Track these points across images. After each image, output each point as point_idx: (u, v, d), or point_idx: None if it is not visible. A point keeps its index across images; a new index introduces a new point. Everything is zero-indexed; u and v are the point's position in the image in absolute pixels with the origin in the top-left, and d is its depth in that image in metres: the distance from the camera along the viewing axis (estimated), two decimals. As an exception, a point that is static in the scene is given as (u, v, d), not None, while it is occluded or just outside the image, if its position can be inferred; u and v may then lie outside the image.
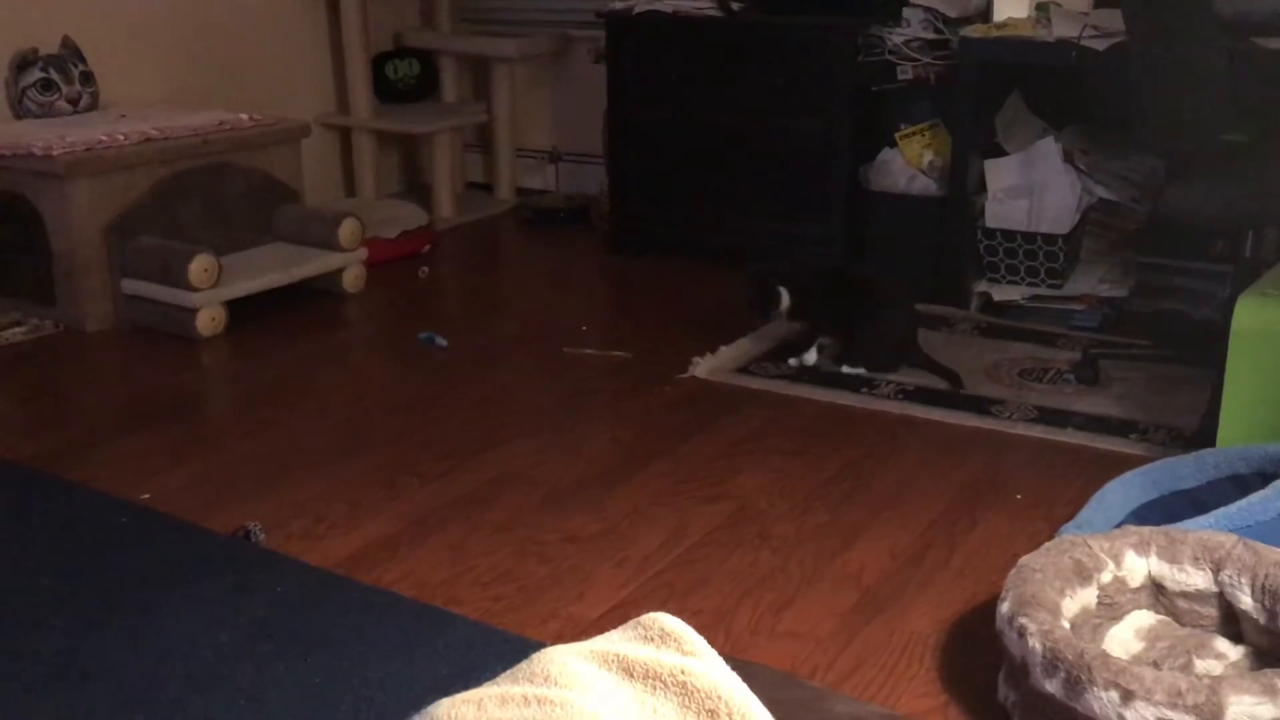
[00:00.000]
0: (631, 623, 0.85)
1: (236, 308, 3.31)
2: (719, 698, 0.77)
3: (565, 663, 0.78)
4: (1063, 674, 1.48)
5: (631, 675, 0.76)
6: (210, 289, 3.23)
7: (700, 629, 1.88)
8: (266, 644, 1.84)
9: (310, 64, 4.38)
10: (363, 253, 3.64)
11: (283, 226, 3.65)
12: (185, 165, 3.44)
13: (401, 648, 1.82)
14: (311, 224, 3.61)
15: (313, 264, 3.53)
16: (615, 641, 0.81)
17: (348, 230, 3.56)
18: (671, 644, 0.79)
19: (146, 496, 2.35)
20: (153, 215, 3.37)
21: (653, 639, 0.79)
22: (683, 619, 1.91)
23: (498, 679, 0.82)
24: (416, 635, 1.86)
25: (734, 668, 0.83)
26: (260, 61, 4.18)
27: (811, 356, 2.95)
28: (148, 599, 1.97)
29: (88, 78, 3.60)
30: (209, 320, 3.24)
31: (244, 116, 3.66)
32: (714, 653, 0.83)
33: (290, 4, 4.28)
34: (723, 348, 3.09)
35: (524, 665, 0.81)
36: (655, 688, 0.75)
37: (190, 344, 3.21)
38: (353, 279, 3.62)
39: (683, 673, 0.76)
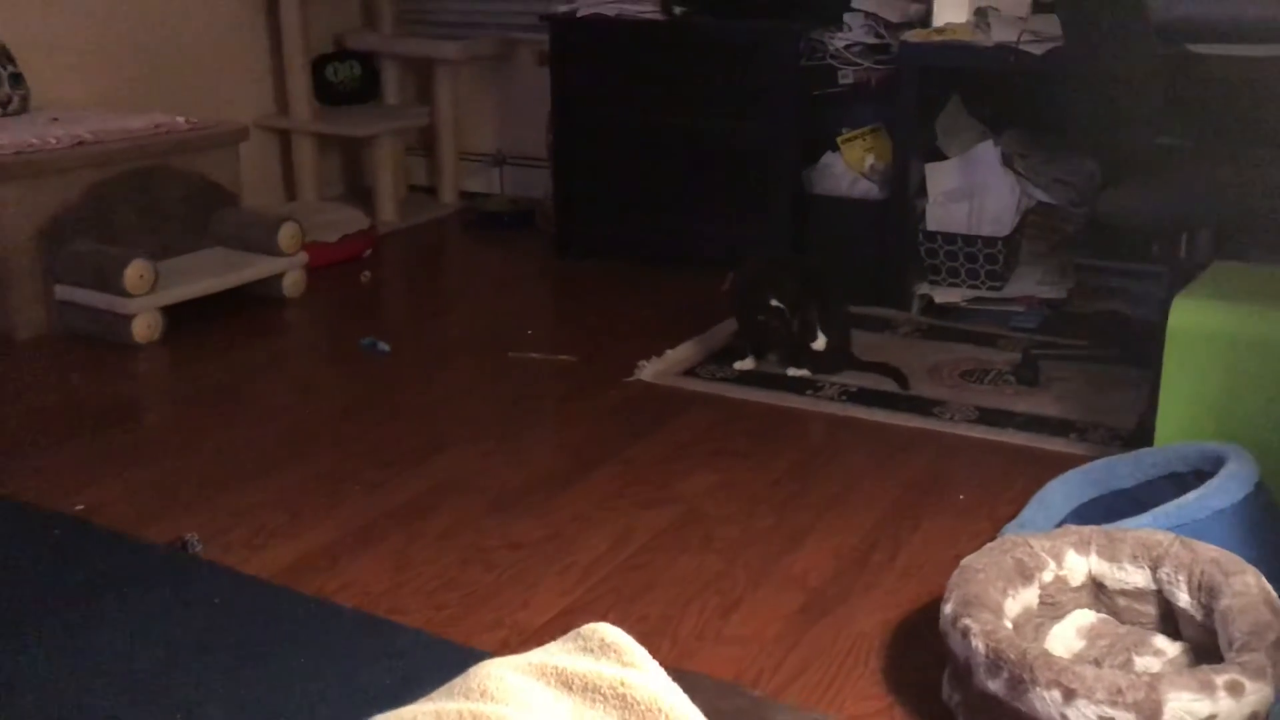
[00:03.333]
0: (571, 634, 0.84)
1: (174, 314, 3.26)
2: (659, 710, 0.76)
3: (502, 676, 0.77)
4: (1006, 674, 1.49)
5: (570, 688, 0.75)
6: (146, 295, 3.17)
7: (646, 634, 1.89)
8: (204, 658, 1.80)
9: (249, 66, 4.32)
10: (303, 257, 3.59)
11: (221, 231, 3.59)
12: (120, 169, 3.37)
13: (343, 659, 1.79)
14: (251, 228, 3.56)
15: (252, 269, 3.48)
16: (554, 654, 0.80)
17: (287, 234, 3.52)
18: (611, 655, 0.77)
19: (80, 508, 2.30)
20: (87, 220, 3.30)
21: (592, 650, 0.78)
22: (629, 625, 1.92)
23: (433, 694, 0.81)
24: (358, 646, 1.83)
25: (675, 678, 0.82)
26: (197, 63, 4.12)
27: (749, 363, 2.96)
28: (81, 613, 1.92)
29: (17, 79, 3.52)
30: (145, 327, 3.18)
31: (181, 119, 3.60)
32: (655, 664, 0.81)
33: (229, 6, 4.21)
34: (668, 351, 3.09)
35: (460, 680, 0.80)
36: (595, 700, 0.74)
37: (126, 351, 3.15)
38: (293, 284, 3.58)
39: (622, 684, 0.75)
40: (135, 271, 3.13)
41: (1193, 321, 2.09)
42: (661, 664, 1.77)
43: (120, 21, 3.87)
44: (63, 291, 3.23)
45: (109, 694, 1.72)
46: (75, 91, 3.77)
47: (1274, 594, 1.57)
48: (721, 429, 2.67)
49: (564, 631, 1.87)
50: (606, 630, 0.80)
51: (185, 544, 2.14)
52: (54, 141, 3.26)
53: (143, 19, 3.94)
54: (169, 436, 2.69)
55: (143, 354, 3.16)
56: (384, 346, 3.17)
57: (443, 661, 1.78)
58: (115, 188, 3.37)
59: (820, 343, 2.89)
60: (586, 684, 0.75)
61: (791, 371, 2.94)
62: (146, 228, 3.43)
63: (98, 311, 3.19)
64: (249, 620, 1.90)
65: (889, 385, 2.87)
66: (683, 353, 3.10)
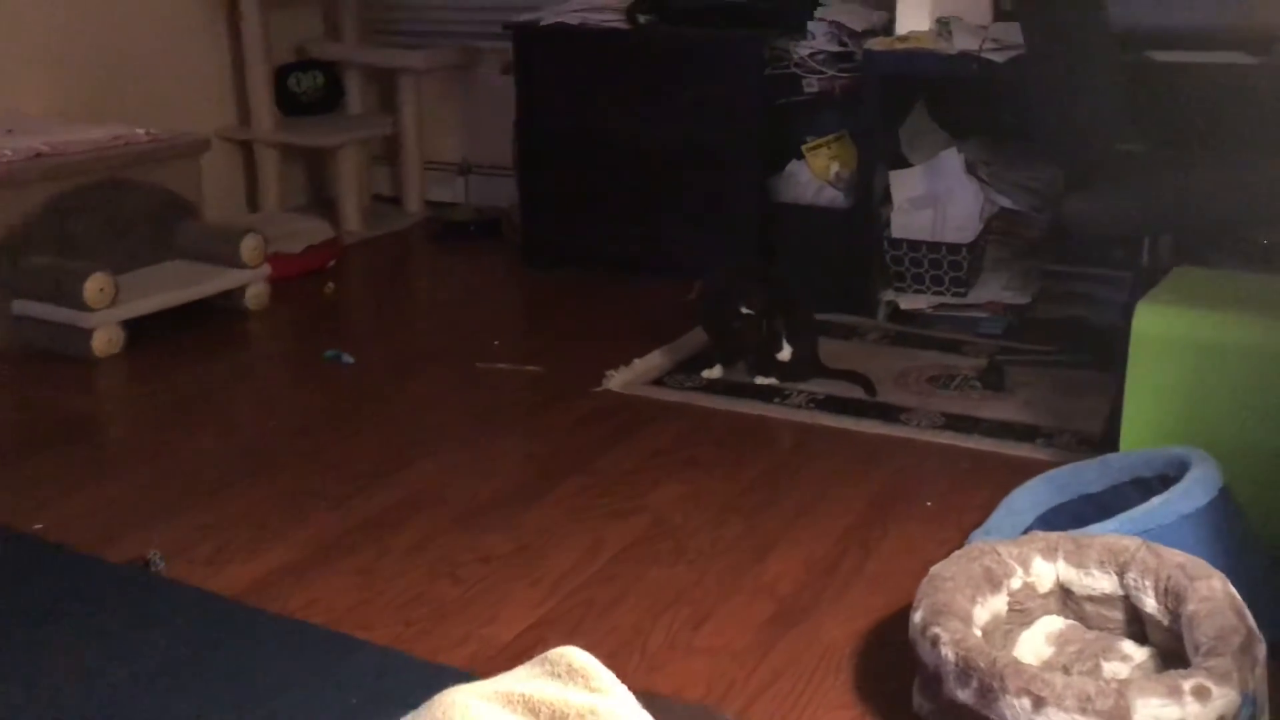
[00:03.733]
0: (539, 658, 0.82)
1: (135, 328, 3.22)
2: (628, 735, 0.75)
3: (467, 705, 0.76)
4: (975, 683, 1.49)
5: (538, 715, 0.74)
6: (107, 309, 3.13)
7: (617, 646, 1.88)
8: (167, 679, 1.77)
9: (210, 76, 4.27)
10: (266, 269, 3.56)
11: (183, 243, 3.55)
12: (79, 182, 3.33)
13: (310, 678, 1.77)
14: (213, 240, 3.52)
15: (214, 281, 3.44)
16: (521, 679, 0.79)
17: (250, 246, 3.48)
18: (579, 681, 0.76)
19: (39, 527, 2.26)
20: (45, 233, 3.25)
21: (560, 675, 0.77)
22: (599, 637, 1.91)
23: (398, 722, 0.80)
24: (325, 664, 1.81)
25: (645, 702, 0.81)
26: (158, 74, 4.07)
27: (717, 371, 2.96)
28: (41, 636, 1.89)
29: (-27, 91, 3.48)
30: (105, 341, 3.14)
31: (141, 131, 3.56)
32: (623, 688, 0.80)
33: (189, 14, 4.17)
34: (636, 360, 3.08)
35: (424, 709, 0.79)
36: (563, 727, 0.73)
37: (86, 366, 3.11)
38: (256, 296, 3.54)
39: (592, 712, 0.74)
40: (95, 285, 3.09)
41: (1156, 327, 2.10)
42: (633, 676, 1.77)
43: (78, 31, 3.83)
44: (20, 306, 3.18)
45: (69, 717, 1.69)
46: (32, 103, 3.72)
47: (1239, 598, 1.59)
48: (690, 438, 2.66)
49: (533, 647, 1.86)
50: (574, 655, 0.79)
51: (148, 562, 2.11)
52: (10, 154, 3.21)
53: (101, 28, 3.89)
54: (130, 452, 2.66)
55: (103, 369, 3.11)
56: (349, 358, 3.14)
57: (411, 679, 1.76)
58: (74, 200, 3.32)
59: (785, 353, 2.89)
60: (554, 711, 0.74)
61: (759, 380, 2.94)
62: (106, 241, 3.39)
63: (57, 326, 3.14)
64: (214, 639, 1.88)
65: (857, 392, 2.88)
66: (650, 362, 3.09)
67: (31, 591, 2.03)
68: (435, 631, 1.92)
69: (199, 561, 2.13)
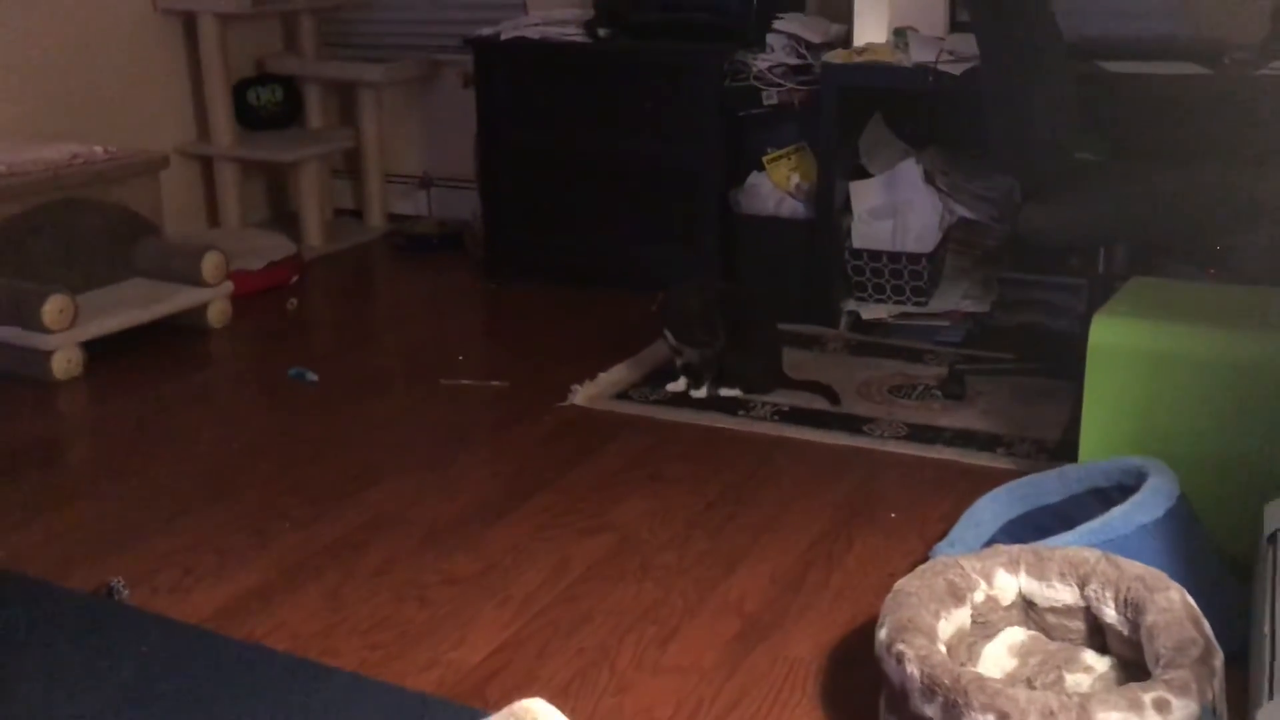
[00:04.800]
0: (504, 711, 0.83)
1: (94, 349, 3.19)
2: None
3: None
4: (940, 699, 1.50)
5: (502, 768, 0.74)
6: (66, 330, 3.10)
7: (585, 666, 1.89)
8: (131, 710, 1.76)
9: (168, 92, 4.24)
10: (228, 286, 3.53)
11: (143, 262, 3.52)
12: (36, 201, 3.30)
13: (276, 705, 1.76)
14: (173, 258, 3.50)
15: (175, 300, 3.42)
16: (485, 733, 0.79)
17: (211, 263, 3.46)
18: (543, 734, 0.77)
19: (-1, 555, 2.24)
20: (2, 254, 3.22)
21: (524, 729, 0.77)
22: (566, 658, 1.91)
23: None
24: (291, 691, 1.80)
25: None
26: (115, 90, 4.04)
27: (681, 384, 2.97)
28: (1, 666, 1.87)
29: (-74, 111, 3.43)
30: (65, 363, 3.11)
31: (98, 149, 3.53)
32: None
33: (145, 30, 4.14)
34: (601, 374, 3.09)
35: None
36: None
37: (45, 389, 3.08)
38: (218, 314, 3.52)
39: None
40: (54, 306, 3.05)
41: (1112, 338, 2.13)
42: (602, 696, 1.77)
43: (32, 48, 3.79)
44: (-23, 328, 3.15)
45: (33, 752, 1.67)
46: (-14, 122, 3.68)
47: (1197, 610, 1.61)
48: (655, 452, 2.67)
49: (502, 669, 1.86)
50: (539, 709, 0.80)
51: (110, 590, 2.09)
52: (-35, 175, 3.18)
53: (56, 45, 3.85)
54: (91, 477, 2.63)
55: (62, 391, 3.08)
56: (312, 376, 3.13)
57: (378, 705, 1.76)
58: (31, 220, 3.29)
59: (680, 383, 2.95)
60: (518, 766, 0.74)
61: (724, 392, 2.95)
62: (65, 261, 3.35)
63: (15, 348, 3.11)
64: (178, 668, 1.86)
65: (821, 404, 2.89)
66: (615, 375, 3.10)
67: (-8, 622, 2.00)
68: (403, 655, 1.91)
69: (162, 589, 2.12)
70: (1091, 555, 1.74)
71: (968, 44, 3.01)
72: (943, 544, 2.07)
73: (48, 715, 1.75)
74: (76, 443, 2.88)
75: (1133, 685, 1.48)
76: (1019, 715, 1.44)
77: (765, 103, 3.43)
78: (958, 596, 1.74)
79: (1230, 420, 2.03)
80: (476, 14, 4.20)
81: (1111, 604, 1.70)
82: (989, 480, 2.34)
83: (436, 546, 2.26)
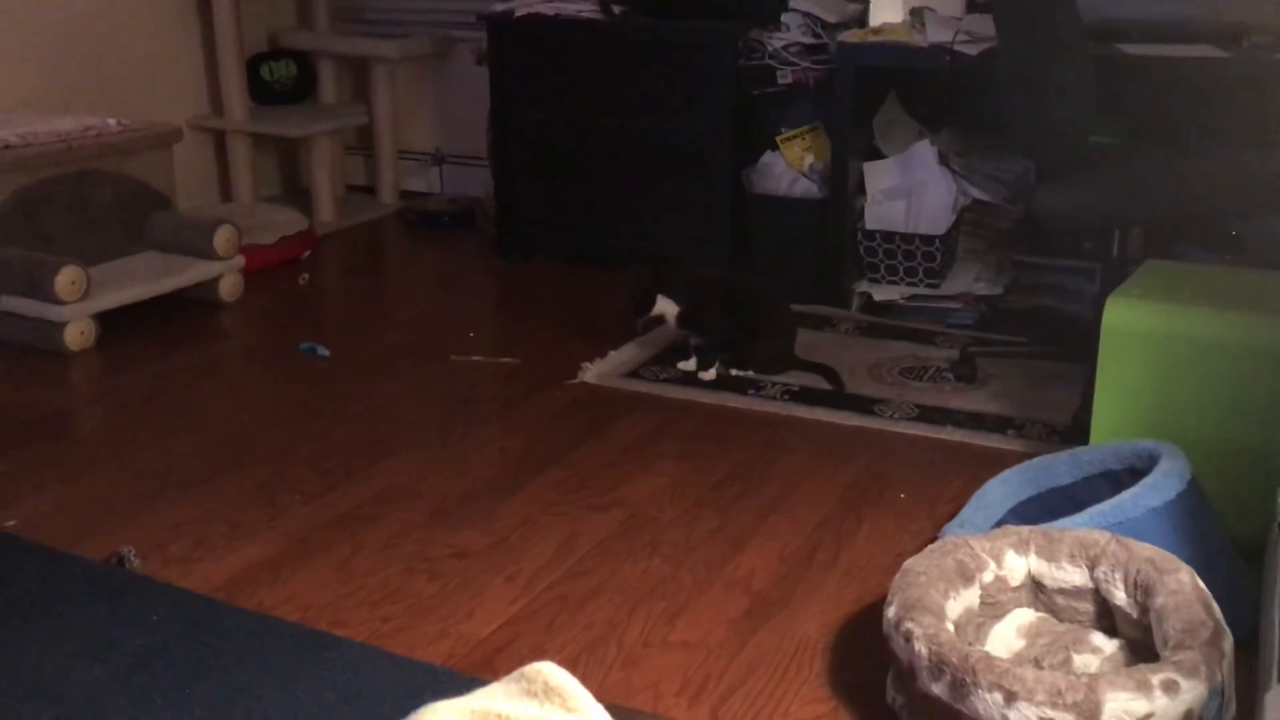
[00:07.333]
0: (515, 674, 0.83)
1: (107, 321, 3.20)
2: (602, 759, 0.75)
3: (444, 723, 0.76)
4: (948, 677, 1.51)
5: (514, 734, 0.74)
6: (79, 302, 3.10)
7: (593, 642, 1.89)
8: (142, 676, 1.77)
9: (182, 65, 4.24)
10: (240, 260, 3.54)
11: (155, 235, 3.53)
12: (49, 173, 3.30)
13: (285, 675, 1.77)
14: (185, 231, 3.50)
15: (187, 273, 3.42)
16: (497, 697, 0.79)
17: (223, 237, 3.46)
18: (555, 699, 0.77)
19: (11, 523, 2.25)
20: (15, 226, 3.22)
21: (536, 694, 0.77)
22: (575, 632, 1.92)
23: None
24: (301, 661, 1.81)
25: (618, 716, 0.82)
26: (129, 63, 4.04)
27: (692, 364, 2.96)
28: (14, 633, 1.88)
29: (-60, 81, 3.44)
30: (78, 334, 3.12)
31: (112, 121, 3.53)
32: (599, 708, 0.81)
33: (160, 3, 4.13)
34: (611, 352, 3.09)
35: (402, 725, 0.79)
36: (537, 748, 0.74)
37: (58, 360, 3.09)
38: (230, 288, 3.52)
39: (568, 731, 0.74)
40: (67, 278, 3.06)
41: (1126, 321, 2.12)
42: (609, 671, 1.78)
43: (47, 21, 3.79)
44: (-10, 299, 3.16)
45: (43, 716, 1.68)
46: (0, 94, 3.68)
47: (1206, 592, 1.61)
48: (665, 431, 2.67)
49: (510, 643, 1.87)
50: (551, 672, 0.80)
51: (122, 559, 2.10)
52: (-21, 145, 3.18)
53: (71, 18, 3.85)
54: (104, 447, 2.64)
55: (76, 362, 3.09)
56: (324, 351, 3.13)
57: (387, 675, 1.76)
58: (45, 192, 3.29)
59: (691, 363, 2.94)
60: (530, 731, 0.74)
61: (735, 371, 2.95)
62: (78, 233, 3.36)
63: (28, 320, 3.12)
64: (188, 637, 1.87)
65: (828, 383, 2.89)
66: (625, 354, 3.09)
67: (4, 590, 2.01)
68: (412, 628, 1.92)
69: (174, 558, 2.13)
70: (1101, 537, 1.74)
71: (985, 24, 2.99)
72: (952, 524, 2.08)
73: (60, 680, 1.76)
74: (89, 413, 2.89)
75: (1141, 666, 1.48)
76: (1026, 694, 1.44)
77: (780, 82, 3.42)
78: (966, 577, 1.74)
79: (1243, 405, 2.02)
80: (491, -11, 4.19)
81: (1121, 586, 1.69)
82: (999, 462, 2.33)
83: (446, 520, 2.27)
